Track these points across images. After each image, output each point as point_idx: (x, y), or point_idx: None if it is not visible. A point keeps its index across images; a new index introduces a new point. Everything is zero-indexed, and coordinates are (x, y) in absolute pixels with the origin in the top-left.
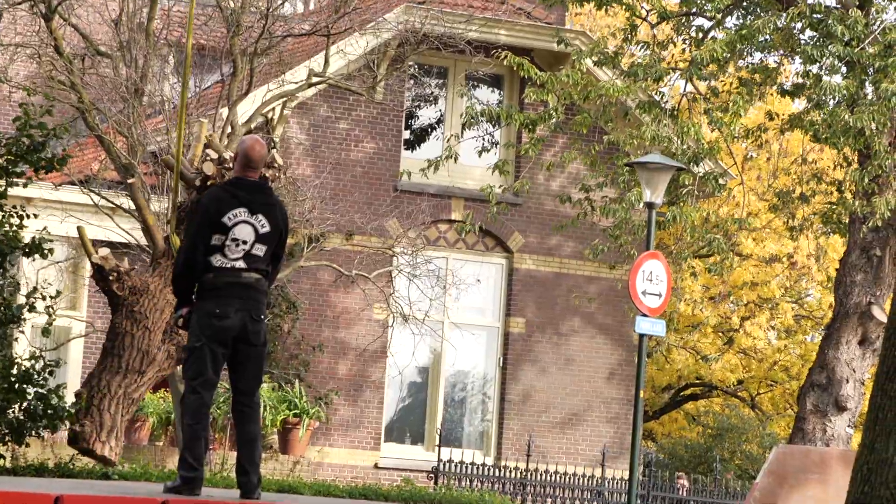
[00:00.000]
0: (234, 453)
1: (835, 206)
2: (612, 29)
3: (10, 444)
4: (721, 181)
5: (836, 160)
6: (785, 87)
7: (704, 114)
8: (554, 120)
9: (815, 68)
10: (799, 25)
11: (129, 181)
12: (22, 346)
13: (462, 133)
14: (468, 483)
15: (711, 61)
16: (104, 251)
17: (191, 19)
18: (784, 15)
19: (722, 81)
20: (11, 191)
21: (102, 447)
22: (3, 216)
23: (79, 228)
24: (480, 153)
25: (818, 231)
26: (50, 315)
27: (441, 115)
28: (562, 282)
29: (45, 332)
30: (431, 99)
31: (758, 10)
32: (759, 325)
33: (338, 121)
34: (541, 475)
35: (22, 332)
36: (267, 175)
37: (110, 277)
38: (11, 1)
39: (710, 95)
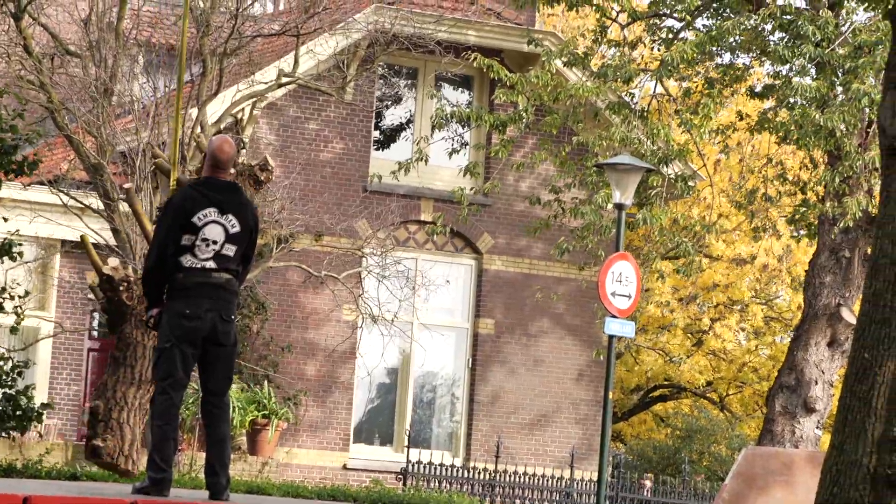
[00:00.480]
0: (203, 454)
1: (801, 208)
2: (582, 30)
3: None
4: (690, 183)
5: (801, 161)
6: (755, 88)
7: (675, 114)
8: (524, 121)
9: (785, 69)
10: (769, 27)
11: (126, 187)
12: None
13: (432, 134)
14: (437, 484)
15: (681, 62)
16: (114, 261)
17: (185, 17)
18: (754, 16)
19: (693, 82)
20: None
21: (126, 461)
22: None
23: (83, 238)
24: (450, 154)
25: (788, 232)
26: (18, 315)
27: (411, 116)
28: (531, 283)
29: (13, 330)
30: (401, 100)
31: (728, 11)
32: (728, 327)
33: (307, 121)
34: (509, 476)
35: None
36: (261, 178)
37: (120, 287)
38: None
39: (680, 96)
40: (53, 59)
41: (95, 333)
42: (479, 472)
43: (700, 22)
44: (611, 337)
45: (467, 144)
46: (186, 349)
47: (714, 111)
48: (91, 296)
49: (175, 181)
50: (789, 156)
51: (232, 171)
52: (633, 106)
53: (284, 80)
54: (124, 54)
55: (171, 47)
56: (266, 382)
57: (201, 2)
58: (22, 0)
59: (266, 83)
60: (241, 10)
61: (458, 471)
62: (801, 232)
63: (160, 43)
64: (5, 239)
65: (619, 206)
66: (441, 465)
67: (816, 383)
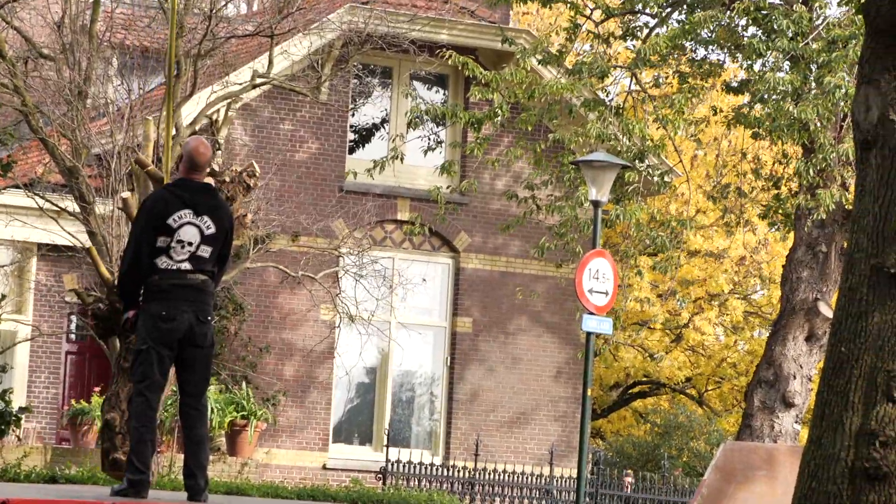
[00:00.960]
0: (182, 456)
1: (777, 202)
2: (555, 27)
3: None
4: (666, 178)
5: (775, 157)
6: (730, 83)
7: (650, 109)
8: (499, 118)
9: (758, 64)
10: (743, 22)
11: (124, 196)
12: None
13: (407, 133)
14: (416, 483)
15: (654, 55)
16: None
17: (172, 26)
18: (728, 11)
19: (666, 75)
20: None
21: None
22: None
23: (89, 250)
24: (426, 153)
25: (765, 227)
26: None
27: (386, 115)
28: (508, 281)
29: None
30: (376, 99)
31: (700, 7)
32: (708, 320)
33: (282, 122)
34: (489, 474)
35: None
36: (249, 184)
37: None
38: None
39: (654, 90)
40: (27, 63)
41: (73, 337)
42: (458, 471)
43: (675, 17)
44: (589, 334)
45: (443, 143)
46: (163, 351)
47: (686, 105)
48: (69, 299)
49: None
50: (765, 151)
51: (227, 179)
52: (607, 102)
53: (259, 80)
54: (98, 57)
55: (144, 49)
56: (244, 383)
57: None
58: None
59: (241, 84)
60: (214, 11)
61: (437, 469)
62: (777, 227)
63: (134, 45)
64: None
65: (595, 203)
66: (420, 463)
67: (795, 378)
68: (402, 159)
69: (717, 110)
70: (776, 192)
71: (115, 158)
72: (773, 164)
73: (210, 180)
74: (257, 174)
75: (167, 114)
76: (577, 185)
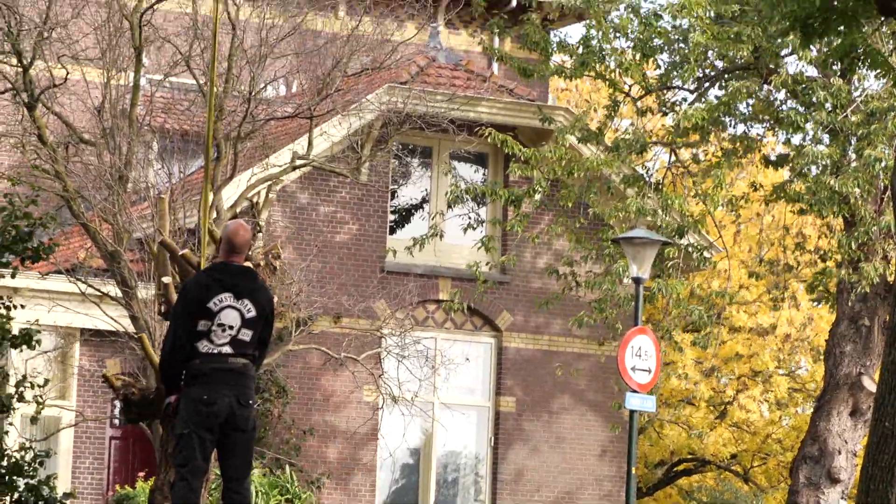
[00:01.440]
0: None
1: (820, 276)
2: (593, 104)
3: None
4: (707, 254)
5: (819, 230)
6: (769, 158)
7: (690, 179)
8: (538, 196)
9: (797, 138)
10: (781, 95)
11: (165, 281)
12: (12, 438)
13: (447, 211)
14: None
15: (692, 128)
16: None
17: (210, 112)
18: (765, 85)
19: (704, 150)
20: None
21: None
22: None
23: (141, 338)
24: (465, 230)
25: (809, 302)
26: (39, 404)
27: (426, 195)
28: (551, 359)
29: (34, 420)
30: (416, 178)
31: (737, 79)
32: (752, 398)
33: (323, 203)
34: None
35: (11, 423)
36: (275, 265)
37: None
38: None
39: (691, 163)
40: (68, 148)
41: (117, 422)
42: None
43: (712, 93)
44: (632, 412)
45: (483, 221)
46: (204, 435)
47: (725, 180)
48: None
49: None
50: (808, 225)
51: (259, 264)
52: (647, 178)
53: (299, 162)
54: (138, 141)
55: (184, 132)
56: (288, 467)
57: (215, 87)
58: (35, 89)
59: (280, 166)
60: (254, 93)
61: None
62: (821, 301)
63: (174, 128)
64: (25, 328)
65: (637, 280)
66: None
67: (840, 453)
68: (441, 236)
69: (758, 185)
70: (820, 266)
71: (157, 243)
72: (817, 238)
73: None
74: (281, 255)
75: (203, 198)
76: (617, 260)
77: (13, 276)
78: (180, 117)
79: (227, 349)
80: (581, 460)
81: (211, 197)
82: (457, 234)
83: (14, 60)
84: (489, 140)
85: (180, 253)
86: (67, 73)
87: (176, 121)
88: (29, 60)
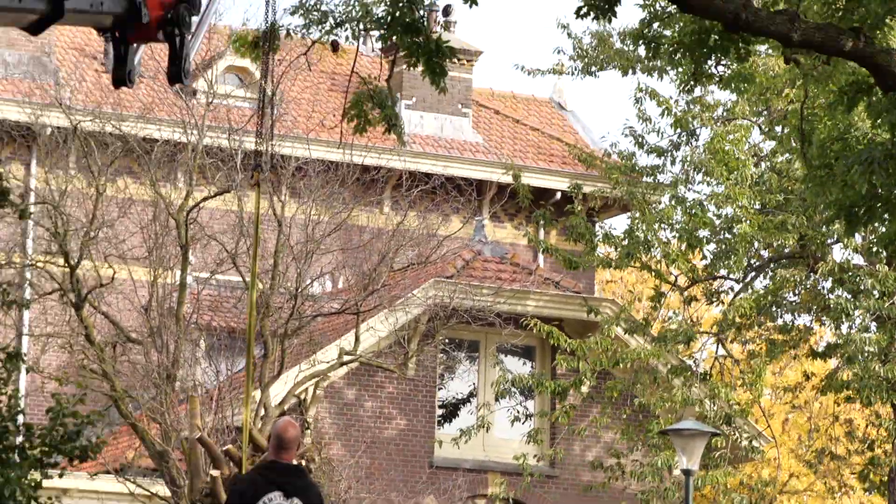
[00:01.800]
0: None
1: (871, 465)
2: (637, 294)
3: None
4: (755, 444)
5: (868, 418)
6: (817, 349)
7: (736, 368)
8: (585, 388)
9: (845, 327)
10: (828, 284)
11: (214, 474)
12: None
13: (495, 403)
14: None
15: (739, 320)
16: None
17: (252, 309)
18: (812, 273)
19: (751, 340)
20: (46, 482)
21: None
22: None
23: None
24: (513, 422)
25: (861, 490)
26: None
27: (474, 388)
28: None
29: None
30: (463, 372)
31: (784, 271)
32: None
33: (370, 398)
34: None
35: None
36: (311, 468)
37: None
38: (41, 291)
39: (741, 357)
40: (115, 347)
41: None
42: None
43: (759, 283)
44: None
45: (531, 414)
46: None
47: (769, 370)
48: None
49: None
50: (856, 413)
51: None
52: (693, 368)
53: (346, 358)
54: (185, 339)
55: (231, 330)
56: None
57: (261, 283)
58: (82, 289)
59: (328, 362)
60: (300, 290)
61: None
62: (874, 489)
63: (220, 326)
64: None
65: (687, 473)
66: None
67: None
68: (487, 428)
69: (809, 375)
70: (871, 454)
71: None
72: (866, 426)
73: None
74: (316, 459)
75: (245, 396)
76: (663, 450)
77: (61, 476)
78: (227, 315)
79: None
80: None
81: (257, 394)
82: (505, 426)
83: (61, 261)
84: (535, 333)
85: (224, 448)
86: (114, 273)
87: (223, 318)
88: (76, 261)
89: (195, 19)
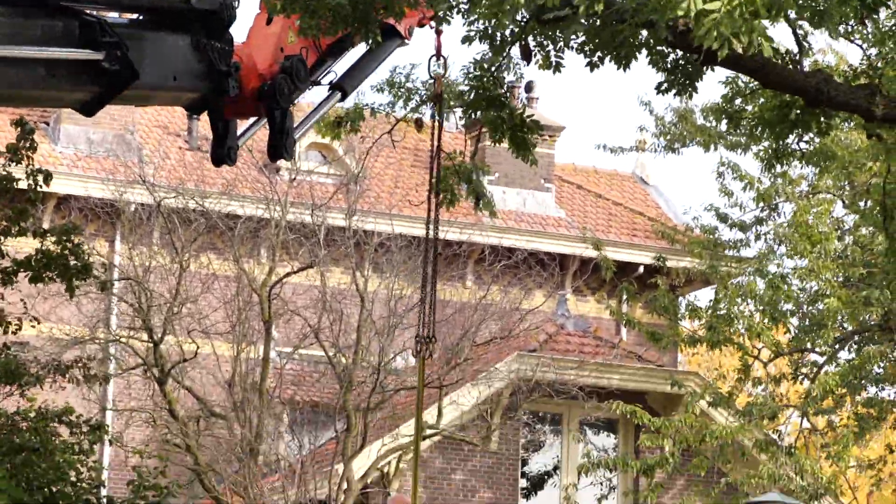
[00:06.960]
0: None
1: None
2: (722, 369)
3: None
4: None
5: None
6: None
7: (822, 448)
8: (671, 464)
9: None
10: None
11: None
12: None
13: (578, 480)
14: None
15: (825, 395)
16: None
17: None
18: None
19: (838, 415)
20: None
21: None
22: None
23: None
24: (600, 500)
25: None
26: None
27: (557, 462)
28: None
29: None
30: (547, 446)
31: (870, 343)
32: None
33: (453, 472)
34: None
35: None
36: None
37: None
38: (125, 366)
39: (827, 430)
40: (199, 422)
41: None
42: None
43: (843, 356)
44: None
45: (615, 488)
46: None
47: (851, 441)
48: None
49: None
50: None
51: None
52: (780, 443)
53: (429, 432)
54: (268, 413)
55: (314, 404)
56: None
57: (343, 358)
58: (166, 364)
59: (411, 436)
60: (382, 364)
61: None
62: None
63: (303, 400)
64: None
65: None
66: None
67: None
68: None
69: (893, 448)
70: None
71: None
72: None
73: None
74: None
75: (413, 462)
76: None
77: None
78: (310, 389)
79: None
80: None
81: (341, 468)
82: (590, 501)
83: (145, 336)
84: (617, 411)
85: None
86: (197, 348)
87: (305, 392)
88: (159, 336)
89: (299, 94)
